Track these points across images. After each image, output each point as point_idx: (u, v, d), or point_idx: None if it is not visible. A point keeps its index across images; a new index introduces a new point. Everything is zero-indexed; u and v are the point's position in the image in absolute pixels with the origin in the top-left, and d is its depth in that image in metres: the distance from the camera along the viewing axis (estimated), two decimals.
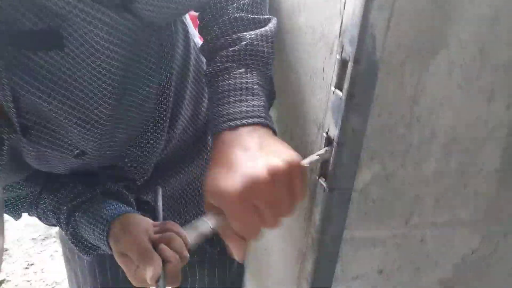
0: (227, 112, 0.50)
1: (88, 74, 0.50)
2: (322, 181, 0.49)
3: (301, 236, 0.56)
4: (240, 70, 0.52)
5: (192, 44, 0.67)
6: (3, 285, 1.92)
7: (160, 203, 0.67)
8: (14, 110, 0.49)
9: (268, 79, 0.56)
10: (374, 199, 0.51)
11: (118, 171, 0.69)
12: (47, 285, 1.91)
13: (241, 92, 0.51)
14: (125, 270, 0.57)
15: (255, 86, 0.52)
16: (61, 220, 0.64)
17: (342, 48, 0.42)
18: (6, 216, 0.58)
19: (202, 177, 0.80)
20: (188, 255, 0.55)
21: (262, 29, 0.55)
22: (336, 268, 0.55)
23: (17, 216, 0.70)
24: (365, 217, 0.52)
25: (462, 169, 0.53)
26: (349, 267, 0.56)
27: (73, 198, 0.64)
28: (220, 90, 0.52)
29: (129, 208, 0.65)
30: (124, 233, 0.56)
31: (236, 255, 0.46)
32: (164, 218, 0.80)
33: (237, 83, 0.52)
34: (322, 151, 0.47)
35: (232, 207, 0.42)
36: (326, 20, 0.45)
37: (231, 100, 0.51)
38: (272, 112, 0.59)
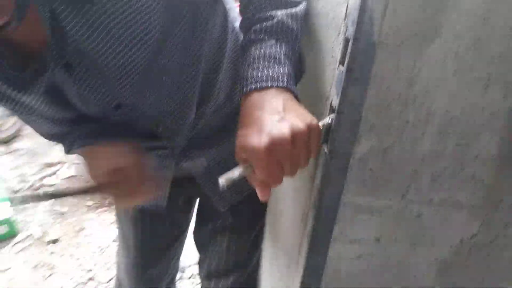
0: (256, 75, 0.57)
1: (129, 17, 0.58)
2: (324, 147, 0.56)
3: (306, 197, 0.64)
4: (271, 42, 0.60)
5: (230, 27, 0.76)
6: (57, 243, 2.15)
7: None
8: (54, 43, 0.56)
9: (296, 53, 0.63)
10: (372, 169, 0.58)
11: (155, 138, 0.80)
12: (95, 248, 2.11)
13: (269, 59, 0.58)
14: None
15: (282, 57, 0.59)
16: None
17: (346, 29, 0.49)
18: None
19: (233, 154, 0.90)
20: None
21: (292, 9, 0.63)
22: (335, 229, 0.62)
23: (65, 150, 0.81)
24: (363, 185, 0.59)
25: (458, 152, 0.58)
26: (347, 230, 0.63)
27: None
28: (251, 57, 0.60)
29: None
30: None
31: (261, 197, 0.55)
32: (196, 187, 0.93)
33: (267, 52, 0.59)
34: (332, 115, 0.55)
35: (259, 160, 0.51)
36: (337, 5, 0.53)
37: (260, 66, 0.58)
38: None
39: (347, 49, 0.49)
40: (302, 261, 0.65)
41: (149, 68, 0.64)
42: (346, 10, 0.49)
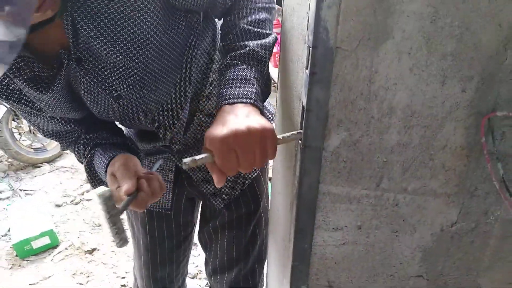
0: (229, 93, 0.69)
1: (131, 26, 0.68)
2: (299, 141, 0.63)
3: (291, 189, 0.71)
4: (243, 67, 0.73)
5: (218, 40, 0.88)
6: (94, 252, 2.30)
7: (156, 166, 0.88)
8: (72, 42, 0.68)
9: (265, 76, 0.76)
10: (345, 160, 0.64)
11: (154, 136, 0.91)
12: (128, 256, 2.24)
13: (240, 80, 0.71)
14: (109, 186, 0.77)
15: (251, 79, 0.72)
16: (86, 152, 0.87)
17: (308, 38, 0.57)
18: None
19: None
20: (159, 197, 0.77)
21: (263, 40, 0.77)
22: (318, 218, 0.69)
23: (61, 146, 0.93)
24: (339, 175, 0.65)
25: (425, 143, 0.63)
26: (329, 219, 0.69)
27: (101, 139, 0.87)
28: (226, 78, 0.72)
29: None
30: (119, 160, 0.77)
31: (216, 183, 0.64)
32: (195, 187, 1.05)
33: (239, 74, 0.72)
34: (294, 132, 0.63)
35: (216, 148, 0.61)
36: (303, 19, 0.61)
37: (233, 85, 0.71)
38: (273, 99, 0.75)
39: (309, 56, 0.57)
40: (290, 248, 0.72)
41: (145, 69, 0.75)
42: (308, 22, 0.57)
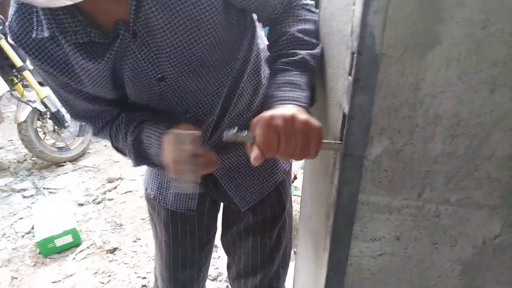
0: (281, 95, 0.71)
1: (196, 13, 0.70)
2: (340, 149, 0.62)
3: (327, 197, 0.69)
4: (295, 72, 0.75)
5: (255, 43, 0.88)
6: (115, 251, 2.31)
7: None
8: (133, 15, 0.69)
9: (311, 86, 0.77)
10: (386, 170, 0.62)
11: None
12: (148, 257, 2.25)
13: (293, 85, 0.73)
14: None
15: (303, 84, 0.73)
16: (131, 128, 0.85)
17: (352, 44, 0.55)
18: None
19: None
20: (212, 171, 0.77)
21: (313, 51, 0.78)
22: (355, 228, 0.67)
23: (94, 129, 0.92)
24: (379, 185, 0.63)
25: (471, 153, 0.61)
26: (367, 229, 0.67)
27: (147, 115, 0.87)
28: (278, 82, 0.75)
29: None
30: (180, 126, 0.76)
31: (253, 160, 0.63)
32: (220, 189, 1.03)
33: (291, 79, 0.74)
34: (338, 142, 0.63)
35: (262, 126, 0.62)
36: (345, 24, 0.59)
37: (285, 89, 0.72)
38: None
39: (353, 62, 0.55)
40: (325, 257, 0.70)
41: (196, 56, 0.76)
42: (352, 28, 0.55)
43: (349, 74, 0.57)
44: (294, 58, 0.77)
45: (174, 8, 0.69)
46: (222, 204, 1.19)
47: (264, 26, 0.89)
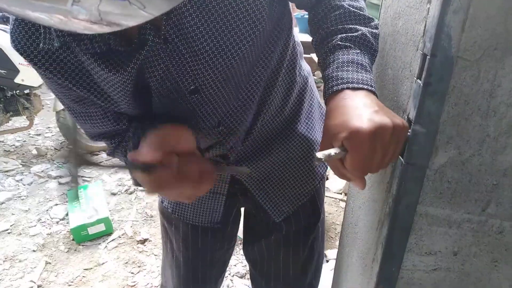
0: (347, 77, 0.59)
1: (238, 18, 0.62)
2: (401, 157, 0.58)
3: (382, 206, 0.66)
4: (357, 51, 0.63)
5: (291, 43, 0.79)
6: (146, 242, 2.34)
7: None
8: (165, 19, 0.59)
9: (372, 68, 0.65)
10: (449, 181, 0.58)
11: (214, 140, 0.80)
12: None
13: (357, 65, 0.61)
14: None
15: (367, 65, 0.62)
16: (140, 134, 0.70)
17: (424, 45, 0.52)
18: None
19: (288, 164, 0.91)
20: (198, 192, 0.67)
21: (373, 29, 0.67)
22: (410, 239, 0.63)
23: (110, 148, 0.80)
24: (440, 196, 0.59)
25: None
26: (423, 242, 0.63)
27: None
28: (339, 60, 0.62)
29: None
30: (164, 128, 0.65)
31: (361, 187, 0.57)
32: (250, 198, 0.95)
33: (354, 58, 0.62)
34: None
35: (361, 142, 0.51)
36: (416, 23, 0.56)
37: (350, 69, 0.60)
38: None
39: (424, 64, 0.51)
40: (376, 269, 0.67)
41: (235, 61, 0.66)
42: (425, 28, 0.52)
43: (418, 78, 0.54)
44: (354, 34, 0.65)
45: (211, 3, 0.60)
46: (243, 210, 1.09)
47: (305, 10, 0.78)
